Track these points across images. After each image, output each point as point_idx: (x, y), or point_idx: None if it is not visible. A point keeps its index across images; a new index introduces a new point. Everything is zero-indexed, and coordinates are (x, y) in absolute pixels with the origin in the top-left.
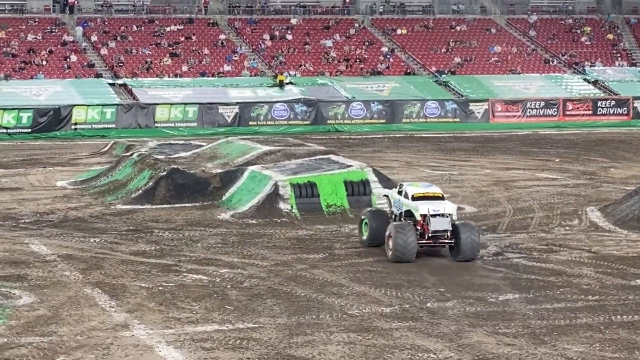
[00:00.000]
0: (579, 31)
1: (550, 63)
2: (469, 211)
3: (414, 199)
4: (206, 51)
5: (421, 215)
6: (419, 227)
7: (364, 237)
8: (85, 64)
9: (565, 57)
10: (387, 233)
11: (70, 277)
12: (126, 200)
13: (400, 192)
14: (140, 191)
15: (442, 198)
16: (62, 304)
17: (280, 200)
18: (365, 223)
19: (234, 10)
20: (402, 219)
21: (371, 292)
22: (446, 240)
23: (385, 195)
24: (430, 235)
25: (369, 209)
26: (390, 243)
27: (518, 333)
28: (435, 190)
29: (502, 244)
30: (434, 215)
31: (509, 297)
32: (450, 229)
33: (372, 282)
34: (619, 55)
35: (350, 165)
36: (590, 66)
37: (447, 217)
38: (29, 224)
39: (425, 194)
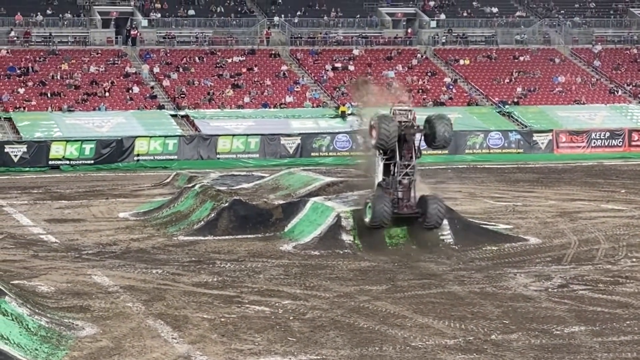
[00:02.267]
0: None
1: (615, 93)
2: (533, 242)
3: None
4: (268, 82)
5: None
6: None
7: (367, 219)
8: (148, 95)
9: (631, 87)
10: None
11: (133, 308)
12: (188, 232)
13: None
14: (202, 222)
15: None
16: (124, 335)
17: (342, 231)
18: (369, 207)
19: (295, 42)
20: None
21: (434, 324)
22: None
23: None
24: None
25: (374, 194)
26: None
27: None
28: None
29: (568, 275)
30: None
31: (574, 329)
32: None
33: (436, 313)
34: None
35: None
36: None
37: None
38: (91, 255)
39: None
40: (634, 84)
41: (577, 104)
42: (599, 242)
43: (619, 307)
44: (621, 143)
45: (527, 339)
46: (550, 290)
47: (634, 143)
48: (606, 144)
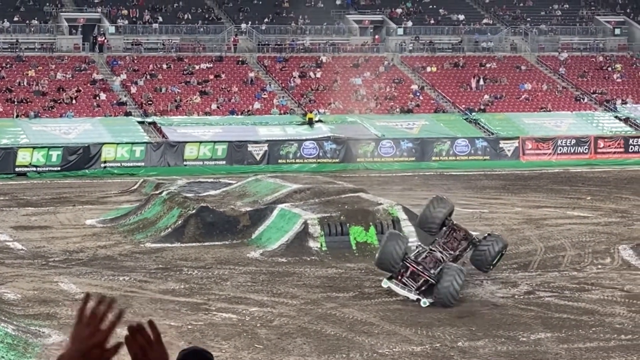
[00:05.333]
0: (609, 68)
1: (581, 100)
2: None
3: None
4: (235, 89)
5: None
6: None
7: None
8: (115, 102)
9: (596, 94)
10: None
11: None
12: (155, 239)
13: None
14: (169, 229)
15: None
16: None
17: (309, 238)
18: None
19: (263, 48)
20: None
21: (401, 331)
22: None
23: None
24: None
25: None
26: None
27: None
28: None
29: (534, 282)
30: None
31: (540, 336)
32: None
33: (403, 320)
34: None
35: (381, 204)
36: (622, 103)
37: None
38: (58, 262)
39: None
40: (599, 92)
41: (543, 111)
42: (564, 249)
43: (585, 313)
44: (587, 150)
45: (493, 346)
46: (516, 297)
47: (599, 150)
48: (572, 151)
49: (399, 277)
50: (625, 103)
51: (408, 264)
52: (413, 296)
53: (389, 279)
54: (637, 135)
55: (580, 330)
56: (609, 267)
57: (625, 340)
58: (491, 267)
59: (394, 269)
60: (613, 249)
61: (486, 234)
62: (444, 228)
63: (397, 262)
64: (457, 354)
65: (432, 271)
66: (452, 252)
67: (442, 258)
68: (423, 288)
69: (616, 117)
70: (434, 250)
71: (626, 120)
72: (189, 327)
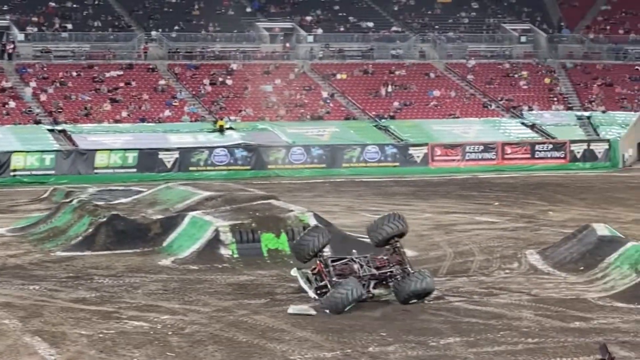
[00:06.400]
0: (516, 75)
1: (489, 107)
2: (409, 255)
3: None
4: (146, 97)
5: None
6: None
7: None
8: (24, 110)
9: (503, 101)
10: None
11: (9, 325)
12: (66, 247)
13: None
14: (80, 238)
15: None
16: (0, 353)
17: (221, 245)
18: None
19: (173, 56)
20: None
21: (313, 337)
22: None
23: None
24: None
25: None
26: None
27: None
28: None
29: (443, 287)
30: None
31: (450, 340)
32: None
33: (314, 327)
34: (555, 99)
35: (292, 210)
36: (528, 110)
37: None
38: None
39: None
40: (506, 98)
41: (452, 117)
42: (473, 254)
43: (493, 318)
44: (494, 156)
45: (404, 351)
46: (426, 302)
47: (506, 156)
48: (480, 157)
49: (310, 271)
50: (531, 109)
51: (318, 262)
52: (311, 294)
53: (300, 269)
54: (543, 141)
55: (488, 334)
56: (517, 272)
57: (532, 343)
58: (405, 301)
59: (300, 258)
60: (520, 254)
61: (419, 271)
62: (388, 246)
63: (308, 253)
64: (368, 359)
65: (335, 278)
66: (373, 271)
67: (357, 271)
68: (324, 290)
69: (522, 123)
70: (354, 261)
71: (532, 126)
72: (100, 335)
